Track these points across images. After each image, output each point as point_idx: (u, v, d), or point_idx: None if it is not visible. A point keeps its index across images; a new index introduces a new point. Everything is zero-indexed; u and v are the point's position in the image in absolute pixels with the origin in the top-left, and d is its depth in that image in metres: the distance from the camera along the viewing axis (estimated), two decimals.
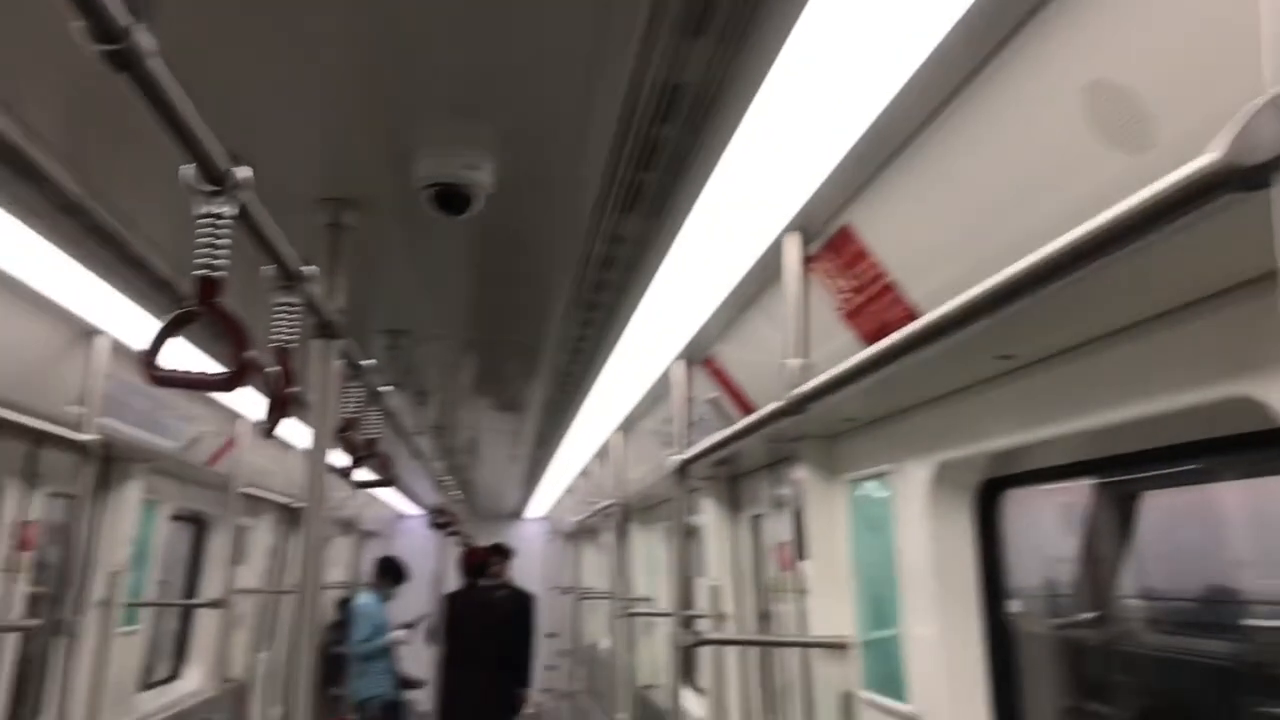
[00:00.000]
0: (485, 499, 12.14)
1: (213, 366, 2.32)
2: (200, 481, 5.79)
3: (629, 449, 5.48)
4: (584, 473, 7.65)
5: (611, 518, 7.90)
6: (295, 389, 1.60)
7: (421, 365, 4.26)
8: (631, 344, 3.49)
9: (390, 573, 8.28)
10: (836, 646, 3.41)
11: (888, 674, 3.17)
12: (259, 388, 1.55)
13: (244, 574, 6.74)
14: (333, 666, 9.52)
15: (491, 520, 12.81)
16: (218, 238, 1.34)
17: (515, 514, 14.20)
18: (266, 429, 1.47)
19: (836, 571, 3.49)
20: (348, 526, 9.99)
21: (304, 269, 1.75)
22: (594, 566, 10.10)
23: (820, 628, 3.49)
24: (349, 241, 2.25)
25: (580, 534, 8.86)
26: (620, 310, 3.08)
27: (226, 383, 1.25)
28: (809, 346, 2.25)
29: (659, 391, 4.34)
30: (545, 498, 11.48)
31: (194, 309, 1.31)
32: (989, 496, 2.84)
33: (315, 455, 2.11)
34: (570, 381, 4.38)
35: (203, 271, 1.32)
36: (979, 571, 2.83)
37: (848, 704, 3.40)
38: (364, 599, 8.13)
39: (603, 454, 6.56)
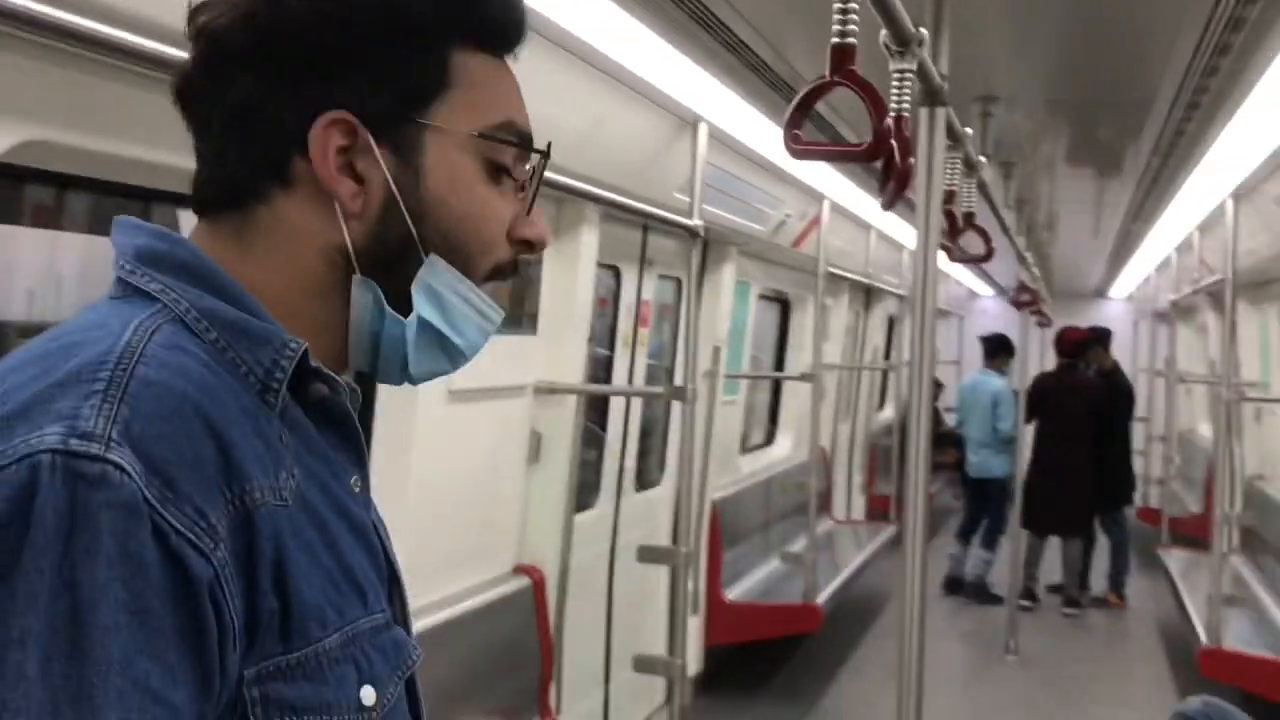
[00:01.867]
0: (1063, 276, 11.57)
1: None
2: (783, 263, 6.07)
3: (1240, 219, 4.88)
4: (1181, 247, 6.97)
5: (1214, 295, 7.17)
6: (912, 160, 1.55)
7: (1011, 134, 4.03)
8: (1267, 93, 3.01)
9: (1005, 349, 8.02)
10: None
11: None
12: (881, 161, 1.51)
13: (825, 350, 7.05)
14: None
15: (1069, 299, 12.20)
16: (847, 4, 1.31)
17: (1097, 293, 13.41)
18: (886, 203, 1.45)
19: None
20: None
21: (919, 30, 1.67)
22: (1188, 348, 9.32)
23: None
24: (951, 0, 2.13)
25: (1173, 314, 8.15)
26: (1257, 54, 2.65)
27: (868, 152, 1.23)
28: None
29: None
30: (1133, 275, 10.68)
31: (830, 79, 1.30)
32: None
33: (923, 228, 2.07)
34: (1180, 143, 3.92)
35: (836, 39, 1.29)
36: None
37: None
38: (996, 382, 8.00)
39: (1207, 226, 5.91)
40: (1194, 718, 3.28)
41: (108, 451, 0.63)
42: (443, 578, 3.10)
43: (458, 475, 3.12)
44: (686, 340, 4.03)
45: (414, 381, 0.88)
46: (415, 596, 0.97)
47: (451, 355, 0.87)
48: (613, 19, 2.59)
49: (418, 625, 0.96)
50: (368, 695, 0.75)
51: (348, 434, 0.84)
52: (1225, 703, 3.36)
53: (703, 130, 3.58)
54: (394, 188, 0.81)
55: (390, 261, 0.82)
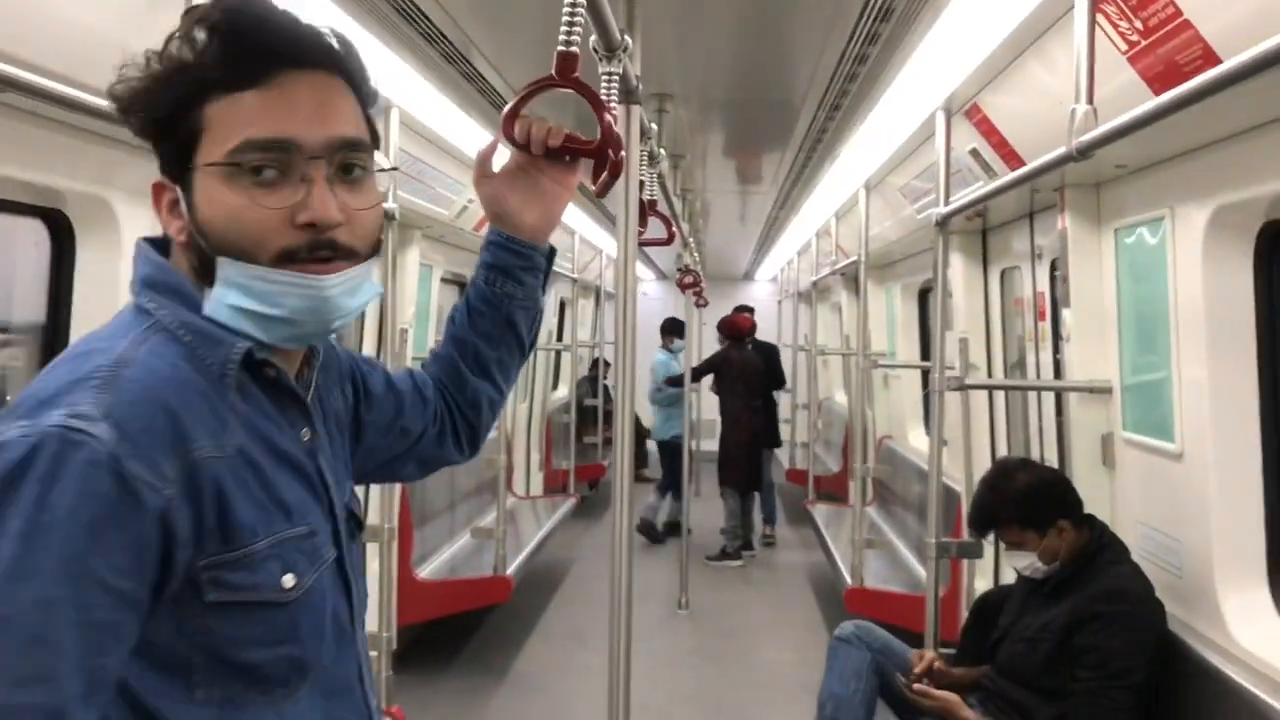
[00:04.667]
0: (715, 261, 12.41)
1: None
2: (465, 247, 6.21)
3: (870, 207, 5.52)
4: (820, 233, 7.72)
5: (846, 276, 8.02)
6: (623, 153, 1.75)
7: (679, 129, 4.39)
8: (894, 99, 3.50)
9: (675, 330, 9.15)
10: (1098, 391, 3.50)
11: (1149, 417, 3.25)
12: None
13: None
14: (587, 417, 10.27)
15: (721, 282, 13.10)
16: (574, 16, 1.50)
17: (745, 276, 14.45)
18: (601, 191, 1.64)
19: (1099, 319, 3.53)
20: (586, 289, 10.49)
21: (625, 38, 1.89)
22: (825, 325, 10.29)
23: (1079, 373, 3.57)
24: (642, 4, 2.37)
25: (812, 294, 9.03)
26: (888, 64, 3.10)
27: (595, 149, 1.42)
28: (1095, 91, 2.24)
29: (909, 147, 4.34)
30: (777, 260, 11.62)
31: (553, 79, 1.48)
32: (1273, 240, 2.80)
33: (624, 215, 2.31)
34: (823, 140, 4.43)
35: (562, 47, 1.48)
36: (1258, 315, 2.83)
37: (1107, 444, 3.51)
38: (661, 356, 9.15)
39: (843, 213, 6.61)
40: (849, 639, 3.80)
41: (92, 426, 0.91)
42: None
43: None
44: (384, 324, 4.10)
45: (297, 344, 1.14)
46: None
47: (290, 321, 1.08)
48: (314, 5, 2.65)
49: None
50: (288, 580, 1.05)
51: (297, 401, 1.14)
52: (871, 623, 3.87)
53: (395, 116, 3.66)
54: (190, 220, 1.07)
55: (208, 268, 1.07)
